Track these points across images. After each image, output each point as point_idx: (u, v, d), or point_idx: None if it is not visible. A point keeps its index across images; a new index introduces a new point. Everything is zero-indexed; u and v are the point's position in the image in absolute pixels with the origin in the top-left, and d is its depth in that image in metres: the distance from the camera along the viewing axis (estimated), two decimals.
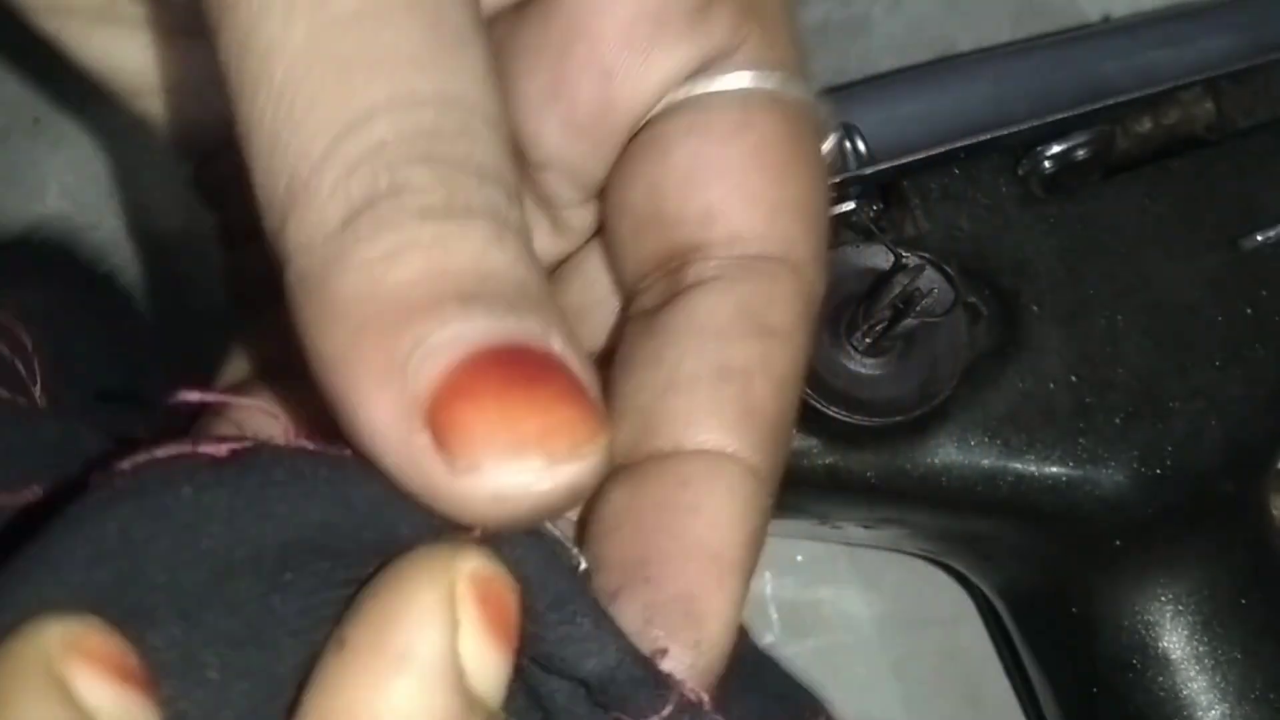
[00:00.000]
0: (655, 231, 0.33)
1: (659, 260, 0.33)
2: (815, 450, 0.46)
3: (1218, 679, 0.47)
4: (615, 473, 0.31)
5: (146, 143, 0.52)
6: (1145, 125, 0.52)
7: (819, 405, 0.44)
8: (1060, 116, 0.49)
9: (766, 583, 0.62)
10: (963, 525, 0.49)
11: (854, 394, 0.44)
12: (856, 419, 0.43)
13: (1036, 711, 0.54)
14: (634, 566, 0.30)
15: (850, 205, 0.46)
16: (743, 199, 0.32)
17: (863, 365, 0.44)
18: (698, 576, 0.30)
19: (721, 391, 0.31)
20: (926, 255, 0.44)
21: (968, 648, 0.61)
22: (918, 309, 0.41)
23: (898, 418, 0.44)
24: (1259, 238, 0.48)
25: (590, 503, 0.31)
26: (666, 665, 0.28)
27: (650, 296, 0.33)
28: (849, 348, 0.44)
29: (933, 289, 0.41)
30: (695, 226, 0.32)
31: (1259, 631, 0.47)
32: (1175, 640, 0.47)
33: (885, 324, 0.43)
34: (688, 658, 0.29)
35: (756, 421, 0.31)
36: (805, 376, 0.33)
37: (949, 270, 0.44)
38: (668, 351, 0.32)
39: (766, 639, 0.61)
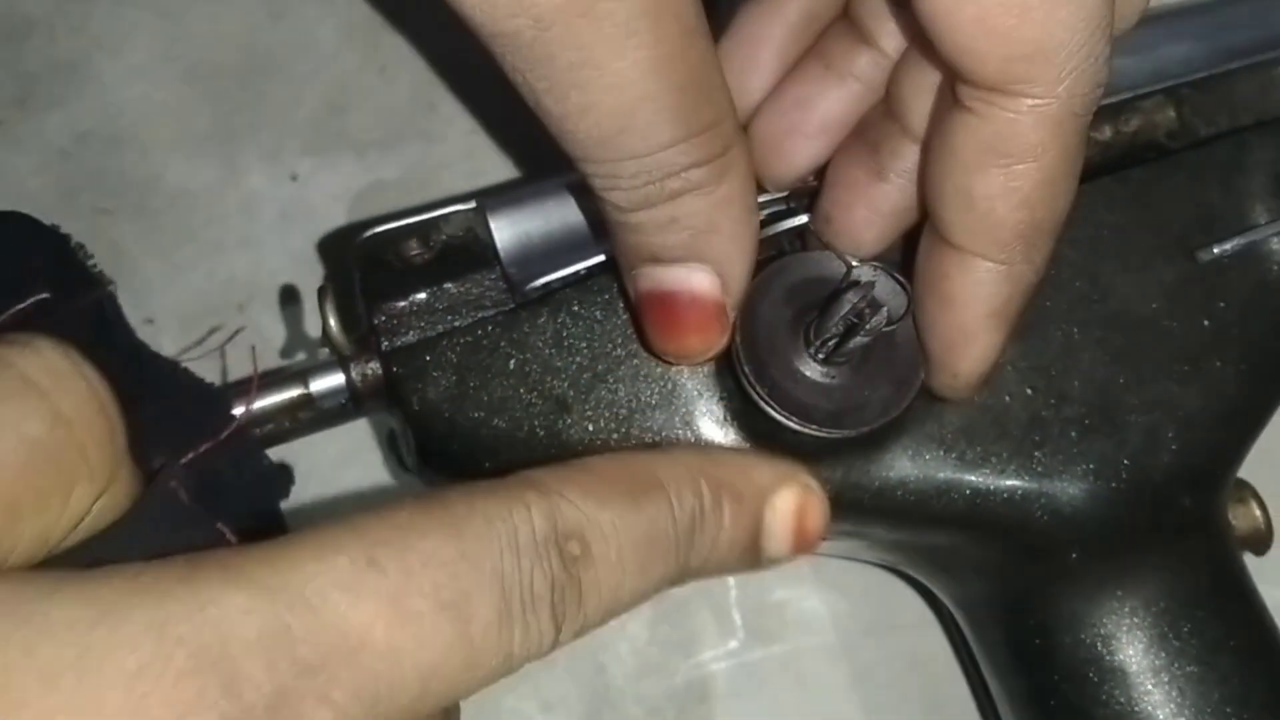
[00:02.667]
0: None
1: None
2: None
3: (1174, 692, 0.47)
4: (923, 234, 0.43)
5: None
6: (1106, 133, 0.52)
7: (780, 416, 0.43)
8: None
9: (731, 587, 0.62)
10: (919, 538, 0.49)
11: (815, 404, 0.44)
12: (818, 431, 0.43)
13: (996, 718, 0.54)
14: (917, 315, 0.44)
15: (804, 218, 0.46)
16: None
17: (823, 375, 0.43)
18: (949, 336, 0.43)
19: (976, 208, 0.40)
20: (881, 264, 0.44)
21: (930, 655, 0.61)
22: (868, 326, 0.41)
23: (862, 429, 0.43)
24: (1216, 249, 0.48)
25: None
26: None
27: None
28: (808, 357, 0.44)
29: (883, 304, 0.41)
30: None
31: (1216, 644, 0.47)
32: (1132, 653, 0.47)
33: (838, 339, 0.42)
34: (948, 385, 0.44)
35: (1002, 231, 0.40)
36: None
37: (902, 280, 0.43)
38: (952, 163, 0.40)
39: (731, 643, 0.61)
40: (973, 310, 0.42)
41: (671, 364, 0.46)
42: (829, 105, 0.46)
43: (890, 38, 0.45)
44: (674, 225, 0.40)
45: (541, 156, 0.66)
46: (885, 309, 0.41)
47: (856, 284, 0.41)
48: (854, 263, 0.43)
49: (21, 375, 0.32)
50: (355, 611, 0.31)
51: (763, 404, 0.43)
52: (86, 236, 0.60)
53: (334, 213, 0.67)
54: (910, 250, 0.44)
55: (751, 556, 0.41)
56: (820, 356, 0.43)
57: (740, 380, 0.44)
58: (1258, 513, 0.51)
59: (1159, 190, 0.49)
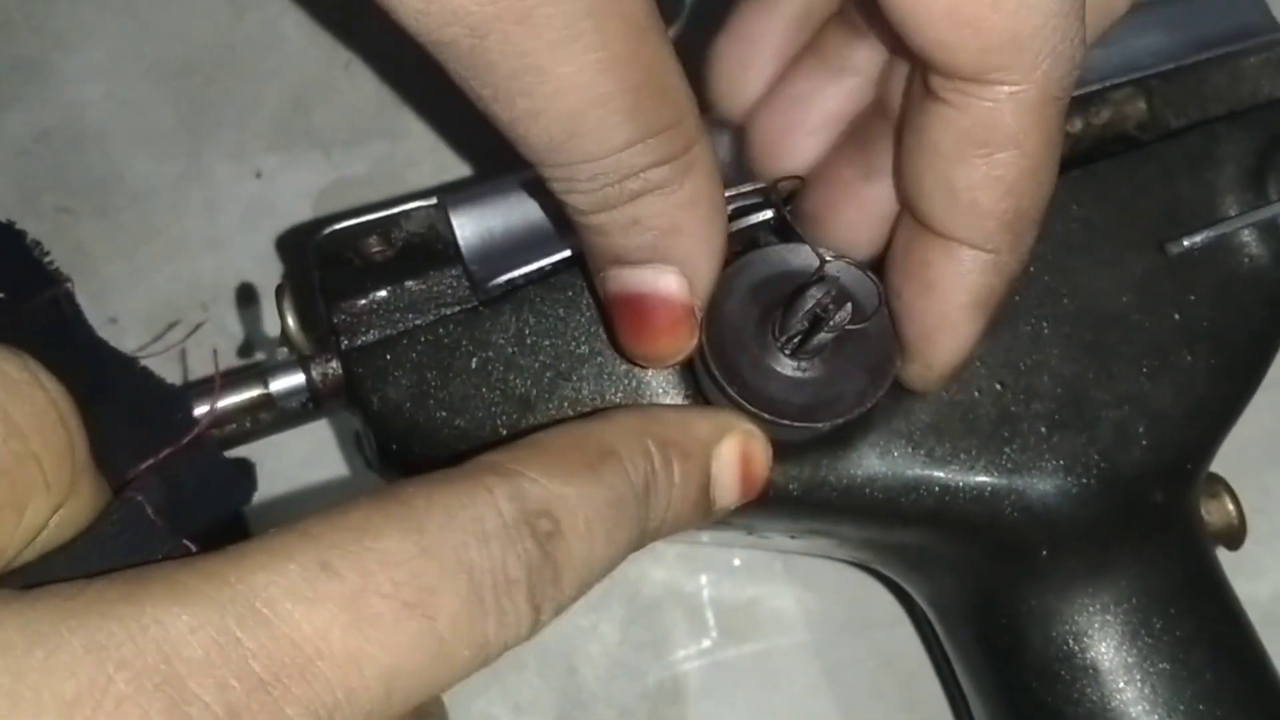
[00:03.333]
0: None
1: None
2: None
3: (1147, 690, 0.46)
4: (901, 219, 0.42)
5: None
6: (1076, 125, 0.51)
7: (750, 411, 0.42)
8: None
9: (704, 586, 0.61)
10: (888, 536, 0.49)
11: (786, 398, 0.43)
12: (792, 424, 0.42)
13: (969, 715, 0.53)
14: (893, 303, 0.43)
15: (769, 214, 0.45)
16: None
17: (794, 369, 0.43)
18: (928, 325, 0.42)
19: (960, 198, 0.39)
20: (852, 259, 0.43)
21: (903, 652, 0.60)
22: (832, 322, 0.40)
23: (836, 420, 0.42)
24: (1186, 242, 0.48)
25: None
26: None
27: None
28: (777, 353, 0.43)
29: (847, 299, 0.40)
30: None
31: (1188, 641, 0.47)
32: (1104, 650, 0.47)
33: (802, 335, 0.42)
34: (920, 376, 0.43)
35: (987, 221, 0.39)
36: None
37: (873, 276, 0.43)
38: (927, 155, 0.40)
39: (704, 642, 0.60)
40: (955, 299, 0.41)
41: (642, 367, 0.46)
42: (827, 101, 0.45)
43: (884, 32, 0.45)
44: (636, 227, 0.39)
45: (508, 153, 0.66)
46: (849, 304, 0.40)
47: (821, 279, 0.41)
48: (828, 257, 0.43)
49: None
50: (309, 620, 0.30)
51: (733, 401, 0.42)
52: (48, 236, 0.60)
53: (299, 210, 0.66)
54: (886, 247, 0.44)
55: (703, 509, 0.41)
56: (788, 352, 0.43)
57: (708, 378, 0.43)
58: (1230, 507, 0.51)
59: (1129, 183, 0.49)
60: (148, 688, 0.28)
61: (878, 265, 0.43)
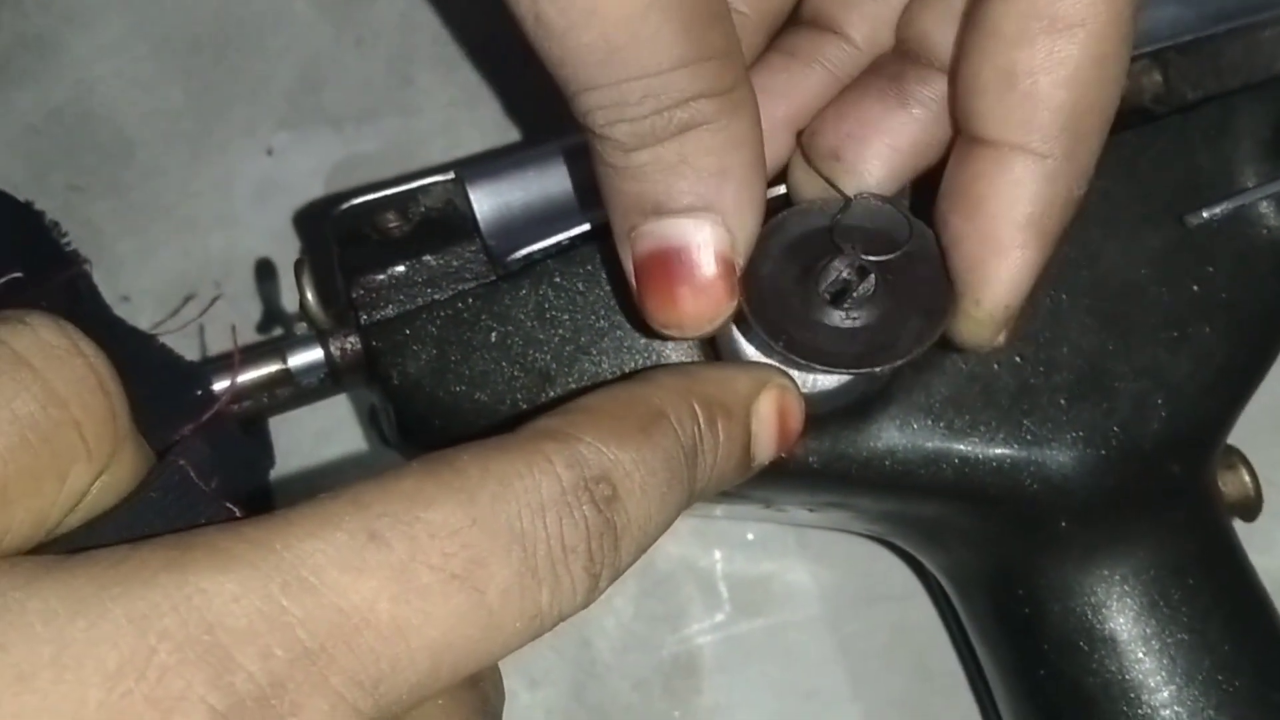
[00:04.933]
0: None
1: None
2: None
3: (1165, 660, 0.46)
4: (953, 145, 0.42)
5: None
6: None
7: (801, 364, 0.41)
8: None
9: (717, 560, 0.61)
10: (907, 508, 0.49)
11: (838, 349, 0.41)
12: (848, 372, 0.42)
13: (985, 688, 0.54)
14: (943, 230, 0.41)
15: (783, 188, 0.45)
16: None
17: (843, 319, 0.41)
18: (978, 250, 0.40)
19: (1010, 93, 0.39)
20: (881, 196, 0.42)
21: (917, 625, 0.60)
22: (855, 295, 0.40)
23: (896, 362, 0.41)
24: (1205, 214, 0.48)
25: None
26: None
27: None
28: (823, 306, 0.41)
29: (870, 271, 0.40)
30: None
31: (1206, 611, 0.47)
32: (1123, 621, 0.47)
33: (837, 293, 0.41)
34: (972, 320, 0.41)
35: (1043, 114, 0.38)
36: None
37: (905, 212, 0.41)
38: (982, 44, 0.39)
39: (718, 616, 0.61)
40: (1005, 214, 0.39)
41: (671, 339, 0.45)
42: (797, 94, 0.44)
43: (857, 26, 0.44)
44: (682, 166, 0.37)
45: (520, 128, 0.67)
46: (872, 276, 0.40)
47: (840, 252, 0.40)
48: (853, 195, 0.42)
49: (13, 352, 0.31)
50: (356, 590, 0.29)
51: (783, 356, 0.41)
52: (59, 214, 0.60)
53: (311, 187, 0.66)
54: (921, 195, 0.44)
55: (744, 466, 0.40)
56: (832, 302, 0.41)
57: (754, 337, 0.43)
58: (1247, 479, 0.51)
59: (1146, 156, 0.49)
60: (191, 658, 0.27)
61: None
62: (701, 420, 0.38)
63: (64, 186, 0.66)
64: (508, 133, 0.67)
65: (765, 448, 0.41)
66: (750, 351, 0.44)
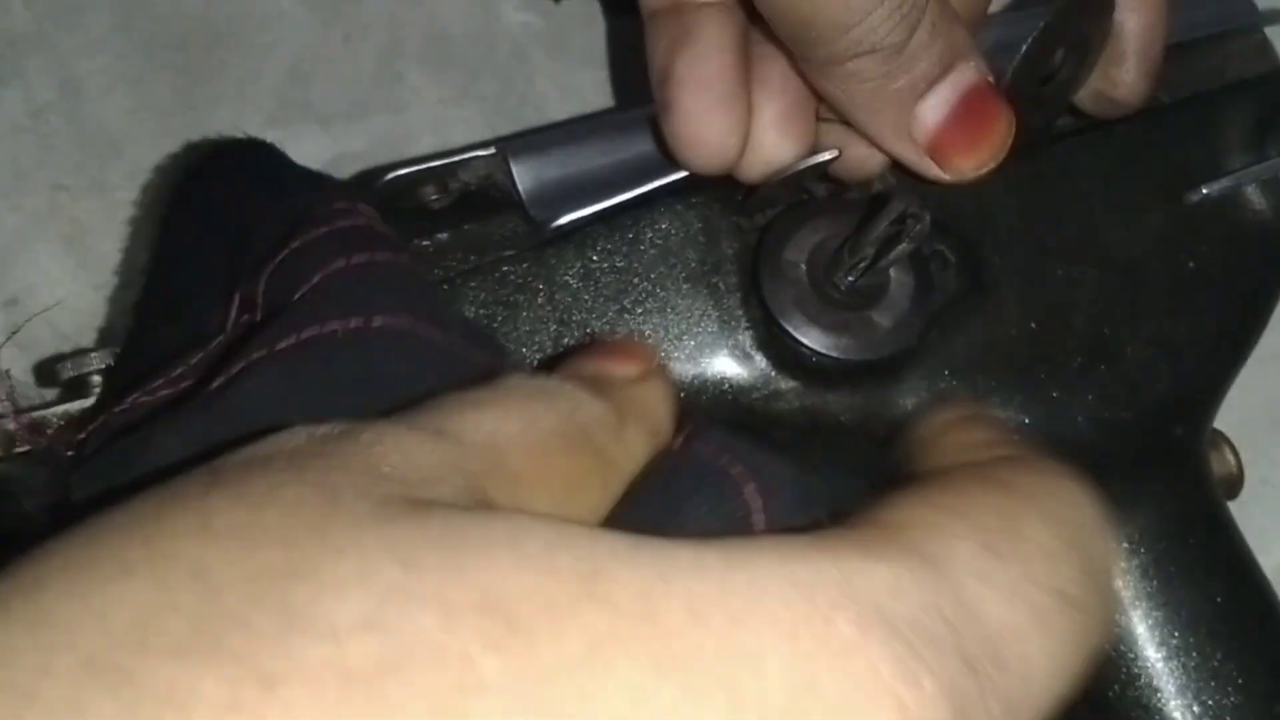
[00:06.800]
0: None
1: None
2: (793, 392, 0.47)
3: (1169, 614, 0.49)
4: None
5: None
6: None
7: (805, 346, 0.45)
8: None
9: None
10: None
11: (843, 333, 0.45)
12: (848, 357, 0.45)
13: None
14: None
15: (833, 153, 0.47)
16: None
17: (846, 308, 0.45)
18: None
19: None
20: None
21: None
22: (913, 234, 0.42)
23: (882, 354, 0.45)
24: (1204, 190, 0.51)
25: None
26: None
27: None
28: (833, 292, 0.45)
29: (925, 212, 0.43)
30: None
31: (1209, 569, 0.50)
32: (1129, 580, 0.49)
33: (875, 254, 0.44)
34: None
35: None
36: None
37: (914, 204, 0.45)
38: None
39: None
40: None
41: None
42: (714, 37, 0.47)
43: None
44: (937, 34, 0.43)
45: (510, 124, 0.68)
46: (927, 215, 0.42)
47: (891, 195, 0.43)
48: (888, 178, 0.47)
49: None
50: (993, 607, 0.26)
51: (794, 341, 0.45)
52: (44, 214, 0.60)
53: None
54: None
55: None
56: (846, 285, 0.45)
57: (767, 320, 0.46)
58: (1230, 458, 0.54)
59: (1141, 144, 0.52)
60: (870, 640, 0.23)
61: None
62: None
63: (49, 185, 0.66)
64: (497, 129, 0.68)
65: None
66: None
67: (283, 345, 0.35)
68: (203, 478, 0.24)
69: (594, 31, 0.70)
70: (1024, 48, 0.45)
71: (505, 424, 0.29)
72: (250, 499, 0.23)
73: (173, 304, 0.44)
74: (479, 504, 0.26)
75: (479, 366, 0.37)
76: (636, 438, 0.33)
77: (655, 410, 0.34)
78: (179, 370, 0.40)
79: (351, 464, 0.25)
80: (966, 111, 0.45)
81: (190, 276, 0.44)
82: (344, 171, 0.67)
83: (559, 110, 0.68)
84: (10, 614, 0.21)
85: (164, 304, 0.44)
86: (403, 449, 0.26)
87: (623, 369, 0.35)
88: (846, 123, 0.46)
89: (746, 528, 0.30)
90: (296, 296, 0.37)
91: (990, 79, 0.45)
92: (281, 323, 0.36)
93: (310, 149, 0.67)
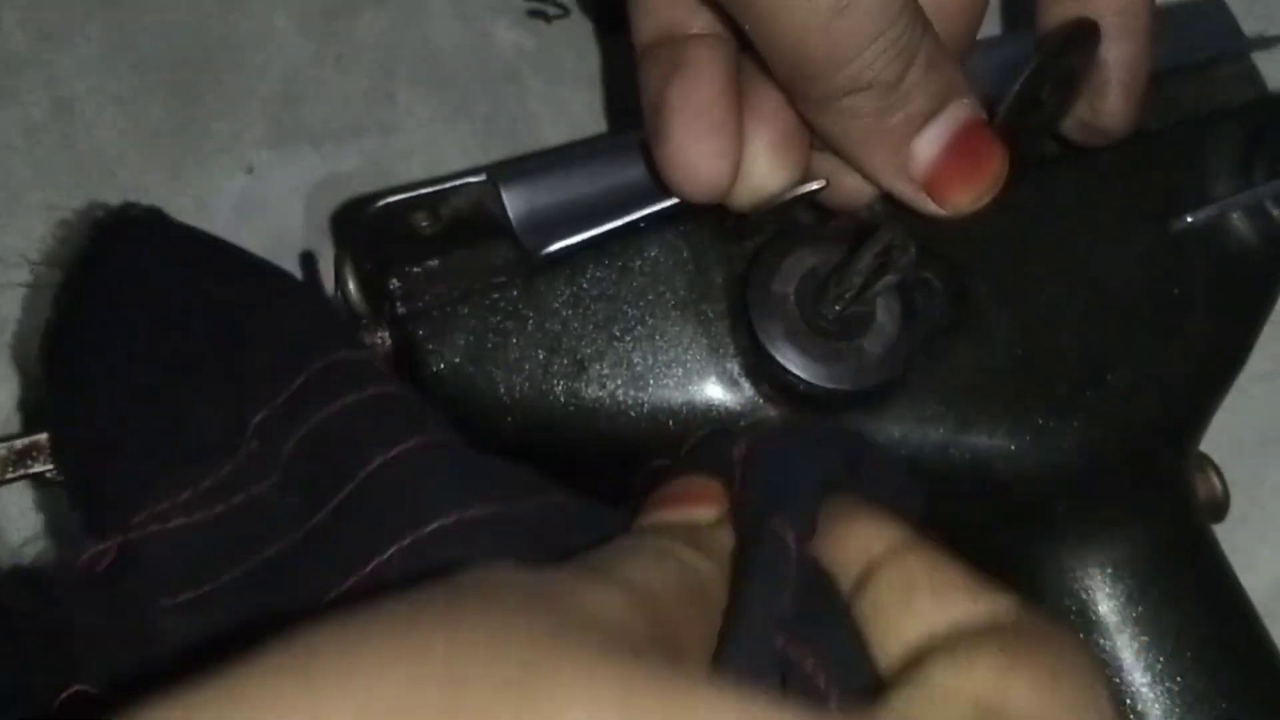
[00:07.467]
0: None
1: None
2: (780, 419, 0.48)
3: (1155, 639, 0.49)
4: None
5: None
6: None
7: (793, 375, 0.45)
8: None
9: None
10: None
11: (831, 362, 0.46)
12: (836, 386, 0.45)
13: None
14: None
15: (821, 183, 0.47)
16: None
17: (831, 339, 0.46)
18: None
19: None
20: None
21: None
22: (899, 265, 0.43)
23: (864, 385, 0.45)
24: (1189, 218, 0.51)
25: None
26: None
27: None
28: (819, 324, 0.46)
29: (911, 243, 0.43)
30: None
31: (1196, 593, 0.50)
32: (1115, 605, 0.50)
33: (859, 285, 0.44)
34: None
35: None
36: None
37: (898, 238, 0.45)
38: None
39: None
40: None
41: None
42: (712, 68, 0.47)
43: None
44: (931, 70, 0.44)
45: (502, 145, 0.68)
46: (913, 245, 0.43)
47: (877, 227, 0.44)
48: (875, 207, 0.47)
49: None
50: None
51: (781, 369, 0.45)
52: (37, 234, 0.60)
53: (291, 205, 0.67)
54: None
55: None
56: (834, 314, 0.45)
57: (756, 348, 0.46)
58: (1215, 481, 0.55)
59: (1128, 170, 0.52)
60: None
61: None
62: None
63: (42, 206, 0.66)
64: (489, 150, 0.68)
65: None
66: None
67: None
68: (445, 593, 0.26)
69: (586, 52, 0.70)
70: (1014, 87, 0.46)
71: (657, 577, 0.31)
72: (493, 620, 0.25)
73: (137, 390, 0.45)
74: (670, 651, 0.29)
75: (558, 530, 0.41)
76: (725, 580, 0.35)
77: (729, 550, 0.36)
78: (186, 495, 0.42)
79: (562, 603, 0.27)
80: (961, 148, 0.45)
81: (150, 370, 0.45)
82: (336, 191, 0.67)
83: (551, 130, 0.69)
84: (283, 699, 0.23)
85: (125, 389, 0.45)
86: (595, 594, 0.28)
87: (705, 514, 0.38)
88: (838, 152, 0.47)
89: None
90: (356, 484, 0.41)
91: (984, 116, 0.46)
92: (365, 538, 0.40)
93: (302, 169, 0.68)
